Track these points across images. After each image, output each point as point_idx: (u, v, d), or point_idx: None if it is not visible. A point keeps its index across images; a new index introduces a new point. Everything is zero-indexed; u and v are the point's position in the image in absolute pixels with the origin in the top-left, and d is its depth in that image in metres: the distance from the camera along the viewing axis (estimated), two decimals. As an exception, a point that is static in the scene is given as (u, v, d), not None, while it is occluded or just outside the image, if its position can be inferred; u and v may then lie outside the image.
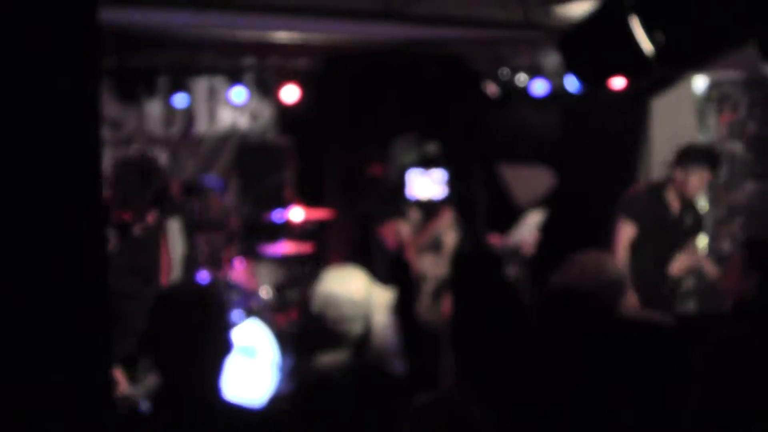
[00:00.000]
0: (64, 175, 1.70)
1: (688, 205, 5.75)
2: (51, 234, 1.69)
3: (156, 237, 4.60)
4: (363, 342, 3.21)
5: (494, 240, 5.87)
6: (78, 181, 1.72)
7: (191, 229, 4.80)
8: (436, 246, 5.33)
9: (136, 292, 4.45)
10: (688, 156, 5.61)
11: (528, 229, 5.59)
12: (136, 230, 4.51)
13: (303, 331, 3.59)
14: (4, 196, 1.66)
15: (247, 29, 6.24)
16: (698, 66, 4.17)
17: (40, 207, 1.68)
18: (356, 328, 3.19)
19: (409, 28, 5.92)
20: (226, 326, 2.58)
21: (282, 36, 6.39)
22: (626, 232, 5.56)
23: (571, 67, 4.40)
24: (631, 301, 4.94)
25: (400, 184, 5.24)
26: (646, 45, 4.02)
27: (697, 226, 5.87)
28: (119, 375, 4.29)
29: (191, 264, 4.73)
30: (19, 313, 1.67)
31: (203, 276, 6.49)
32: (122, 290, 4.36)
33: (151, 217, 4.43)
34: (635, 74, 4.80)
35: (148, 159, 5.25)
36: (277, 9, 5.38)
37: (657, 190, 5.67)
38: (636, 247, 5.54)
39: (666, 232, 5.59)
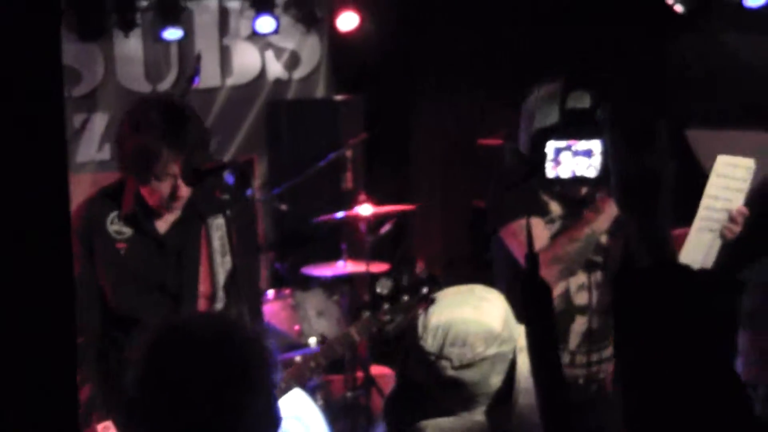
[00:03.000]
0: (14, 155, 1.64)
1: None
2: None
3: (192, 240, 4.27)
4: (504, 399, 2.99)
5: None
6: (33, 161, 1.65)
7: (245, 235, 4.31)
8: (592, 259, 4.67)
9: (159, 317, 4.05)
10: None
11: (732, 192, 4.76)
12: (162, 226, 4.21)
13: (403, 385, 3.15)
14: None
15: None
16: None
17: None
18: (495, 378, 2.99)
19: None
20: (272, 389, 2.40)
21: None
22: None
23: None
24: None
25: (535, 161, 3.67)
26: None
27: None
28: None
29: (244, 289, 4.24)
30: None
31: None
32: (136, 314, 4.13)
33: (184, 191, 4.08)
34: None
35: (178, 99, 4.83)
36: None
37: None
38: None
39: None
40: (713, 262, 4.58)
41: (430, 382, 2.99)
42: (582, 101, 4.20)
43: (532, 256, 3.33)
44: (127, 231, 4.17)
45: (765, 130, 6.31)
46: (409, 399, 3.03)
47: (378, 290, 4.29)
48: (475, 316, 3.03)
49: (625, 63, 7.23)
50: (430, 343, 2.98)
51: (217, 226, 4.26)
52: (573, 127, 3.55)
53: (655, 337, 2.57)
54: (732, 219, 4.50)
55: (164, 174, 4.02)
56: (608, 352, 4.64)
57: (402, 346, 3.22)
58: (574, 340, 4.62)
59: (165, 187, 4.04)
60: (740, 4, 6.89)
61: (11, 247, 1.62)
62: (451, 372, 2.96)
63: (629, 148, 3.33)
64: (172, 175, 4.03)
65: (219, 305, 4.33)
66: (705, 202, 4.52)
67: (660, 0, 6.98)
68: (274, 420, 2.43)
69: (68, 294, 1.69)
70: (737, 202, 4.51)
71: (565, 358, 4.62)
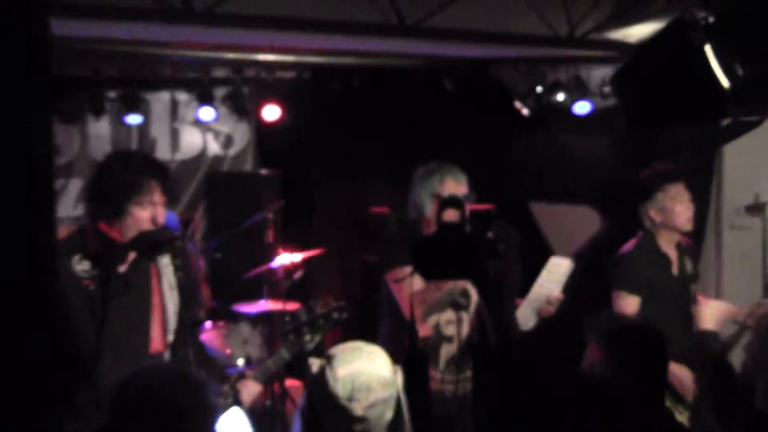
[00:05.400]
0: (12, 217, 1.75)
1: (681, 248, 5.60)
2: None
3: (145, 279, 4.11)
4: (395, 428, 3.27)
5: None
6: (28, 223, 1.76)
7: (188, 277, 4.25)
8: (458, 301, 5.11)
9: (124, 356, 3.97)
10: (663, 175, 5.40)
11: (554, 283, 5.19)
12: (122, 266, 4.05)
13: (311, 421, 3.33)
14: None
15: (226, 50, 6.21)
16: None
17: None
18: (388, 413, 3.25)
19: (422, 45, 5.84)
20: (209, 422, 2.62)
21: (268, 58, 6.44)
22: (630, 305, 5.39)
23: (626, 108, 4.20)
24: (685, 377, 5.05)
25: (416, 231, 5.04)
26: (722, 80, 3.73)
27: (695, 270, 5.72)
28: None
29: (190, 327, 4.30)
30: None
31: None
32: (103, 353, 3.92)
33: (162, 219, 3.95)
34: (708, 118, 4.77)
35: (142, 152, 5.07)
36: (264, 23, 5.30)
37: (649, 245, 5.50)
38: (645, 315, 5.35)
39: (673, 291, 5.48)
40: (532, 327, 5.04)
41: (343, 419, 3.18)
42: (453, 216, 3.97)
43: (413, 335, 4.29)
44: (92, 270, 3.96)
45: (585, 203, 7.98)
46: None
47: (301, 318, 4.50)
48: (371, 368, 3.25)
49: (483, 154, 7.61)
50: (341, 391, 3.19)
51: (165, 264, 4.17)
52: (447, 238, 3.68)
53: (507, 396, 3.13)
54: (549, 302, 5.02)
55: (147, 202, 3.89)
56: (469, 374, 5.05)
57: (308, 396, 3.33)
58: (442, 362, 5.02)
59: (146, 216, 3.90)
60: (570, 111, 7.70)
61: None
62: (360, 411, 3.17)
63: (487, 258, 3.36)
64: (152, 204, 3.91)
65: (170, 337, 4.19)
66: (534, 288, 5.08)
67: (510, 104, 7.74)
68: None
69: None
70: (556, 290, 5.02)
71: (437, 376, 5.01)
